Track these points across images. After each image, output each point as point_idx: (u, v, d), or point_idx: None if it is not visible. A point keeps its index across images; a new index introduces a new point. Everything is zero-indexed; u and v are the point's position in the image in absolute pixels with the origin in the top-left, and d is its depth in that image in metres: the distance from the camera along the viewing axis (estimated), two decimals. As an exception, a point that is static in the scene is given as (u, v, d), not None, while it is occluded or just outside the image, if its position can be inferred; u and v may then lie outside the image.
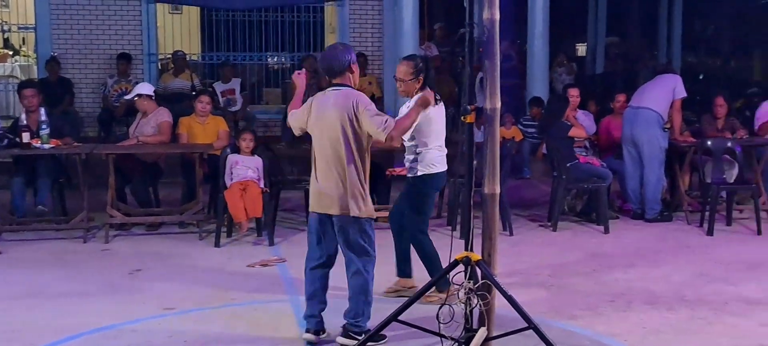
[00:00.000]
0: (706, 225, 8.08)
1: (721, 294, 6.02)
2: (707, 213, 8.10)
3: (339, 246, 4.93)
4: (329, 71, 4.90)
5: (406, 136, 5.51)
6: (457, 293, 4.55)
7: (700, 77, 19.92)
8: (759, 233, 7.98)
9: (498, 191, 4.66)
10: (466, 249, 4.62)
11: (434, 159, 5.64)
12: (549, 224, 8.23)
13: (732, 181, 8.48)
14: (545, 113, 9.24)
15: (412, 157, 5.67)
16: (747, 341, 5.08)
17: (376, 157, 8.46)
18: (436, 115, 5.67)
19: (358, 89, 4.98)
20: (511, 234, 7.87)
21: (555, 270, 6.69)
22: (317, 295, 4.95)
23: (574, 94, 8.52)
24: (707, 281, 6.38)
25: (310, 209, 4.96)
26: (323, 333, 4.98)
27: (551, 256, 7.18)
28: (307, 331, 4.97)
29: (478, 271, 4.54)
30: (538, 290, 6.11)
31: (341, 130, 4.74)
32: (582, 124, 8.88)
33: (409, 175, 5.72)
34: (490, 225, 4.66)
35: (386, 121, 4.72)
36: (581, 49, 20.42)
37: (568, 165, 8.16)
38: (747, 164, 8.67)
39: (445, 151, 5.73)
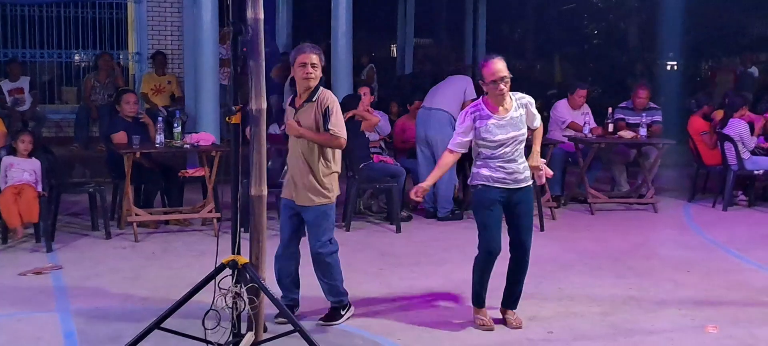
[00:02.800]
0: (493, 222, 8.33)
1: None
2: (494, 211, 8.37)
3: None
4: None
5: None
6: (224, 298, 4.45)
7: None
8: (542, 229, 8.32)
9: (265, 192, 4.61)
10: (233, 252, 4.54)
11: (485, 172, 5.37)
12: (343, 224, 8.26)
13: (519, 179, 8.79)
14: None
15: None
16: (513, 335, 5.30)
17: (168, 160, 8.31)
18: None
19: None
20: (299, 236, 7.83)
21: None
22: None
23: (364, 92, 8.63)
24: (485, 277, 6.56)
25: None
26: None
27: (341, 256, 7.15)
28: None
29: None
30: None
31: None
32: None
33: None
34: (258, 228, 4.61)
35: None
36: (394, 50, 20.84)
37: (361, 166, 8.22)
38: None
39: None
